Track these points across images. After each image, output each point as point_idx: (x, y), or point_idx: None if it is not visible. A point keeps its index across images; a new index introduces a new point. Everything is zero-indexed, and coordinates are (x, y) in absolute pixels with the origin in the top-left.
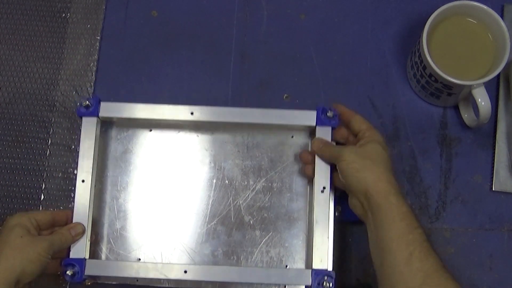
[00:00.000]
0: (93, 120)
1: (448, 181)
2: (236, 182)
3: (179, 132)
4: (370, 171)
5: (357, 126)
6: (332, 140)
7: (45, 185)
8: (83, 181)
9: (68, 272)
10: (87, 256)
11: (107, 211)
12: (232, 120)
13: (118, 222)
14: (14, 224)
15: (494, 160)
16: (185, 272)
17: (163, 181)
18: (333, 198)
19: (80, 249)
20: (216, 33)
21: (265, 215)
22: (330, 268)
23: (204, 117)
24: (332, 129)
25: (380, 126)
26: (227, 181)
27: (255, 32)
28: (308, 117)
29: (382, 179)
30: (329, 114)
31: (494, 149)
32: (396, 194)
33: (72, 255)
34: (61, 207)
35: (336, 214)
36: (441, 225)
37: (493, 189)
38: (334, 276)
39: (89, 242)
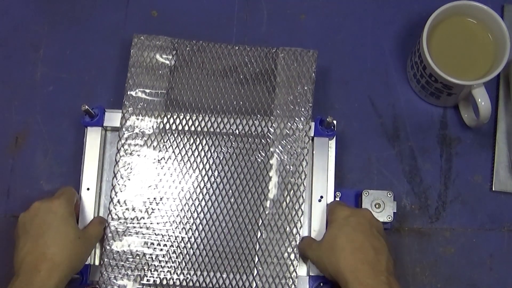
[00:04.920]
0: (98, 129)
1: (448, 181)
2: (237, 186)
3: (179, 141)
4: (329, 265)
5: None
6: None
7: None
8: (88, 189)
9: (73, 278)
10: (92, 262)
11: (105, 215)
12: (231, 130)
13: None
14: (67, 214)
15: (494, 160)
16: (189, 275)
17: (160, 186)
18: None
19: None
20: (216, 33)
21: (267, 220)
22: None
23: (205, 127)
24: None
25: (380, 126)
26: (227, 185)
27: (255, 32)
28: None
29: (339, 271)
30: (329, 119)
31: (494, 149)
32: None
33: None
34: None
35: None
36: (441, 225)
37: (493, 189)
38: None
39: (94, 249)
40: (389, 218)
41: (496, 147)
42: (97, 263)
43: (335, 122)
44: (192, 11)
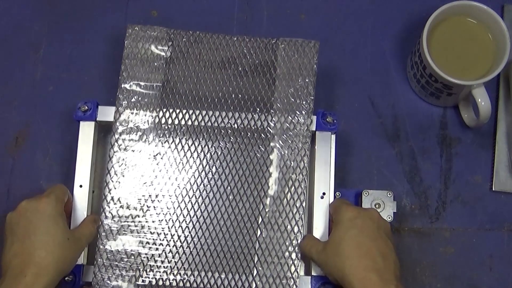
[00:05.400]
0: (91, 124)
1: (448, 181)
2: (235, 183)
3: (176, 136)
4: (335, 270)
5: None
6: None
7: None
8: (80, 186)
9: (65, 279)
10: (84, 262)
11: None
12: (229, 124)
13: None
14: (55, 214)
15: (494, 160)
16: (186, 276)
17: (156, 182)
18: None
19: None
20: (216, 33)
21: (267, 217)
22: None
23: (202, 121)
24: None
25: (380, 126)
26: (226, 182)
27: (255, 32)
28: None
29: (346, 278)
30: (329, 119)
31: (494, 149)
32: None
33: None
34: None
35: None
36: (441, 225)
37: (493, 189)
38: None
39: (86, 248)
40: (389, 218)
41: (496, 147)
42: (90, 263)
43: (335, 122)
44: (192, 11)
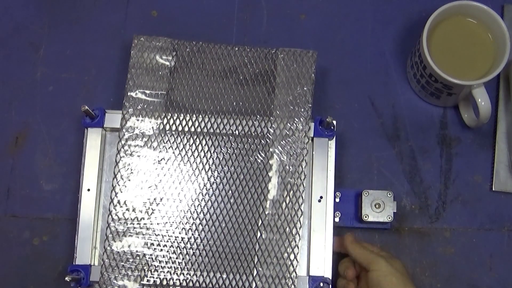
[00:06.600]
0: (98, 130)
1: (448, 181)
2: (236, 186)
3: (179, 141)
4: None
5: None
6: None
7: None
8: (88, 190)
9: (66, 278)
10: (92, 263)
11: (104, 215)
12: (230, 131)
13: None
14: None
15: (494, 160)
16: (189, 276)
17: (160, 186)
18: (331, 206)
19: (85, 256)
20: (216, 33)
21: (267, 220)
22: (327, 275)
23: (205, 127)
24: (329, 140)
25: (380, 126)
26: (227, 186)
27: (255, 32)
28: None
29: None
30: (328, 119)
31: (494, 149)
32: None
33: (78, 261)
34: None
35: (336, 220)
36: (441, 225)
37: (493, 189)
38: (330, 282)
39: (95, 249)
40: (389, 218)
41: (496, 147)
42: (97, 263)
43: (334, 122)
44: (192, 11)
